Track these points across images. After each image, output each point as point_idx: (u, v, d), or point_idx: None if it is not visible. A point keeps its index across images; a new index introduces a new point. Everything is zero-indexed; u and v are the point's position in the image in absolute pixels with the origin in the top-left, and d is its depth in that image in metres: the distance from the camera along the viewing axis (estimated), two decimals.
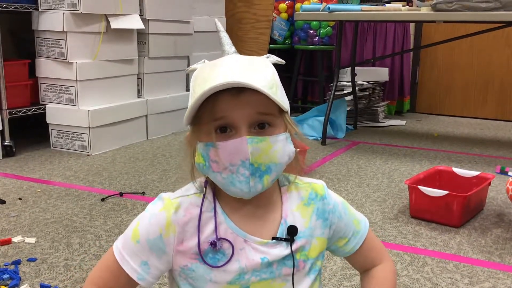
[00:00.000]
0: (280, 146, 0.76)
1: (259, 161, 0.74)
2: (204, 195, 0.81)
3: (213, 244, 0.78)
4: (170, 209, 0.80)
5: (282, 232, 0.81)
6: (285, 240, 0.81)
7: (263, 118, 0.75)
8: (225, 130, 0.75)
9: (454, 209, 1.98)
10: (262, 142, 0.74)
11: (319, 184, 0.88)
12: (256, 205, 0.81)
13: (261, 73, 0.75)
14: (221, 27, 0.87)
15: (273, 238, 0.80)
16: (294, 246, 0.81)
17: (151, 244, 0.79)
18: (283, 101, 0.77)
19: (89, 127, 3.03)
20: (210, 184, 0.82)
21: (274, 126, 0.77)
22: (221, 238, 0.79)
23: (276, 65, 0.82)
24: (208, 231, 0.79)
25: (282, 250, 0.81)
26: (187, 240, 0.79)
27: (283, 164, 0.78)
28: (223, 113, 0.74)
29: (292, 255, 0.81)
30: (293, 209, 0.83)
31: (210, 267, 0.79)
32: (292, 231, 0.81)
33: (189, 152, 0.80)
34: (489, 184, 2.20)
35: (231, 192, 0.77)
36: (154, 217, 0.80)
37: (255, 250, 0.80)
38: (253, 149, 0.74)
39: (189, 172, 0.81)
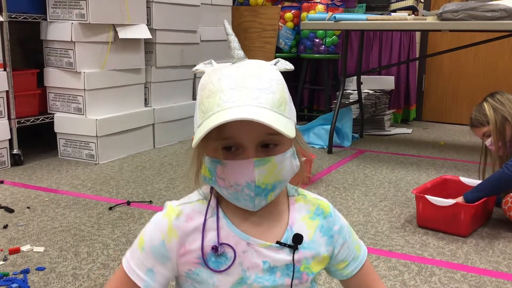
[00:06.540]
0: (286, 164, 0.77)
1: (266, 181, 0.75)
2: (209, 201, 0.82)
3: (214, 248, 0.79)
4: (171, 215, 0.81)
5: (287, 238, 0.82)
6: (289, 246, 0.81)
7: (271, 138, 0.75)
8: (232, 148, 0.75)
9: (461, 219, 1.98)
10: (269, 163, 0.75)
11: (326, 203, 0.88)
12: (262, 215, 0.81)
13: (269, 91, 0.73)
14: (230, 30, 0.84)
15: (277, 242, 0.81)
16: (298, 256, 0.82)
17: (155, 251, 0.81)
18: (291, 117, 0.76)
19: (96, 136, 3.05)
20: (214, 192, 0.83)
21: (282, 144, 0.76)
22: (222, 243, 0.79)
23: (283, 73, 0.80)
24: (210, 236, 0.80)
25: (285, 256, 0.81)
26: (190, 245, 0.80)
27: (288, 180, 0.79)
28: (231, 133, 0.74)
29: (293, 262, 0.81)
30: (299, 219, 0.84)
31: (212, 272, 0.79)
32: (298, 239, 0.81)
33: (195, 161, 0.81)
34: None
35: (237, 205, 0.79)
36: (157, 223, 0.82)
37: (257, 253, 0.80)
38: (259, 171, 0.74)
39: (194, 178, 0.82)
